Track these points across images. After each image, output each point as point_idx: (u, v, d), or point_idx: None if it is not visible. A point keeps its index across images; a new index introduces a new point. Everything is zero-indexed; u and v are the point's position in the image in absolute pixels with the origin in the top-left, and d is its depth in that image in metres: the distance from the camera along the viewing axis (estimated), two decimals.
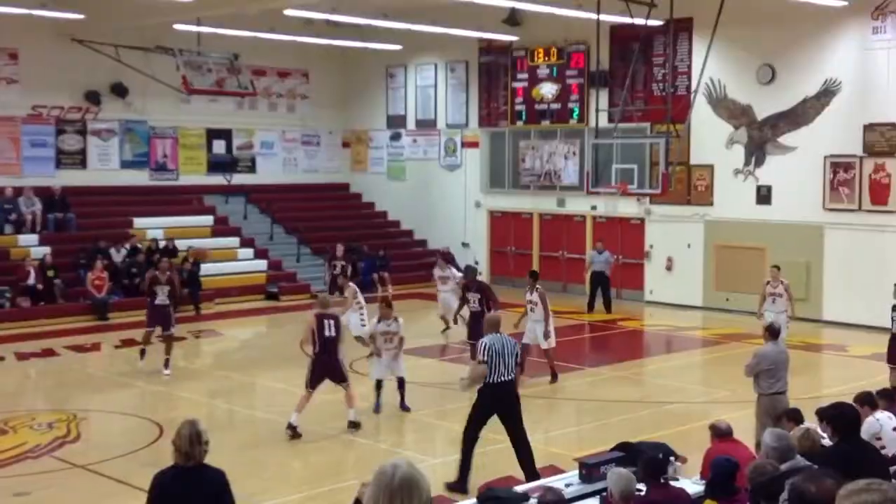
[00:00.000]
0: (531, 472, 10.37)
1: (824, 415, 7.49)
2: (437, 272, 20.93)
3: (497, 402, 10.55)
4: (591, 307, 23.21)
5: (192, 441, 6.13)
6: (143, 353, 17.08)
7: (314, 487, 10.98)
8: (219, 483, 6.22)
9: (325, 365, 12.91)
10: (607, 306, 23.15)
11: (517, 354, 10.74)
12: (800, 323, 20.63)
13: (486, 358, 10.38)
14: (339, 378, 13.09)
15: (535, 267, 26.92)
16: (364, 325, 16.93)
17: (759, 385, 11.10)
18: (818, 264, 21.63)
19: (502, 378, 10.43)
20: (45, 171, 25.50)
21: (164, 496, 6.19)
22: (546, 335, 15.83)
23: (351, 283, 18.32)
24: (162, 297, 16.88)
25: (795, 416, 9.01)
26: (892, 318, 14.02)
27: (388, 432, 13.63)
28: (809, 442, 7.24)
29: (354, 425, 13.03)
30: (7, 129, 25.06)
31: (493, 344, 10.44)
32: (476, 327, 14.85)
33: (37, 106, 25.39)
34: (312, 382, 12.91)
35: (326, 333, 12.84)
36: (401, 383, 14.19)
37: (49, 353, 18.81)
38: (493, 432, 13.32)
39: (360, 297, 17.74)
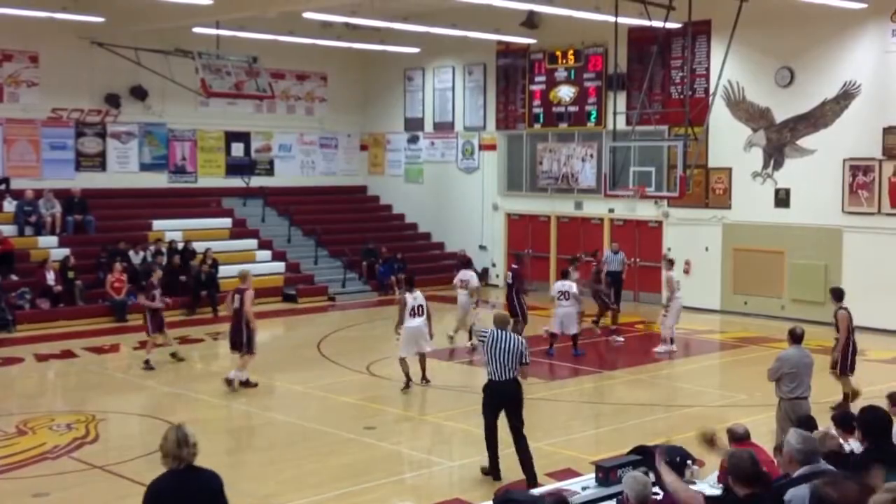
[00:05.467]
0: (529, 475, 10.68)
1: (854, 419, 7.42)
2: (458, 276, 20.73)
3: (494, 397, 11.00)
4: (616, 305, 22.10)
5: (179, 444, 6.14)
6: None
7: (330, 490, 10.99)
8: (213, 485, 6.23)
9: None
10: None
11: (521, 354, 10.87)
12: (819, 326, 20.52)
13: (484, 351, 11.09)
14: None
15: (553, 269, 27.01)
16: None
17: (780, 389, 10.99)
18: (837, 268, 21.50)
19: (499, 377, 10.85)
20: (65, 174, 25.65)
21: (159, 500, 6.20)
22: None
23: None
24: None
25: (808, 425, 8.92)
26: None
27: (404, 435, 13.63)
28: (826, 447, 7.18)
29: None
30: (27, 132, 25.22)
31: (494, 340, 10.85)
32: None
33: (57, 108, 25.55)
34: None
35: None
36: None
37: (68, 354, 18.91)
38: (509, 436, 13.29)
39: None
